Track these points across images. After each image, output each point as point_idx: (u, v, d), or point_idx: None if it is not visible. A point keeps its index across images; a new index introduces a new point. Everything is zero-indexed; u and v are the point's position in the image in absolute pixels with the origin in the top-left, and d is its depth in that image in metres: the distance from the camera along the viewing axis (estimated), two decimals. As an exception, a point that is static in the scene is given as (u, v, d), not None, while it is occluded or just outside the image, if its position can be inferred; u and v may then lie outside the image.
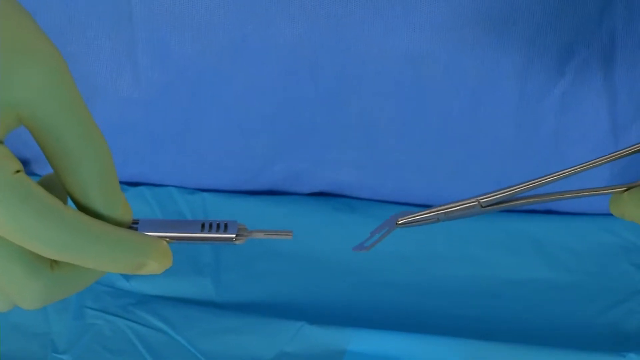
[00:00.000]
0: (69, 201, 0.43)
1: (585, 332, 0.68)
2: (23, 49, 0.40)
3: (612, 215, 0.72)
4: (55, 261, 0.42)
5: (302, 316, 0.67)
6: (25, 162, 0.73)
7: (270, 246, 0.71)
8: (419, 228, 0.71)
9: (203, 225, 0.45)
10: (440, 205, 0.50)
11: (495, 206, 0.50)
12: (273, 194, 0.74)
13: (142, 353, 0.65)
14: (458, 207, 0.50)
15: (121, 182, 0.72)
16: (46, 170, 0.73)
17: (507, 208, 0.50)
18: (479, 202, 0.50)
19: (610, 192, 0.51)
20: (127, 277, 0.68)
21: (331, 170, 0.71)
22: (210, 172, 0.72)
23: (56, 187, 0.43)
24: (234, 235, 0.45)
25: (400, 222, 0.50)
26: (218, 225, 0.45)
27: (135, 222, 0.44)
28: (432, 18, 0.62)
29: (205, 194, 0.73)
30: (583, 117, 0.66)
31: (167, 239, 0.44)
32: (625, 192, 0.50)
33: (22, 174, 0.40)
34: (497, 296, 0.70)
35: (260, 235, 0.47)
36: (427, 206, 0.73)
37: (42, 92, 0.40)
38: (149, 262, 0.42)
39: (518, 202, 0.50)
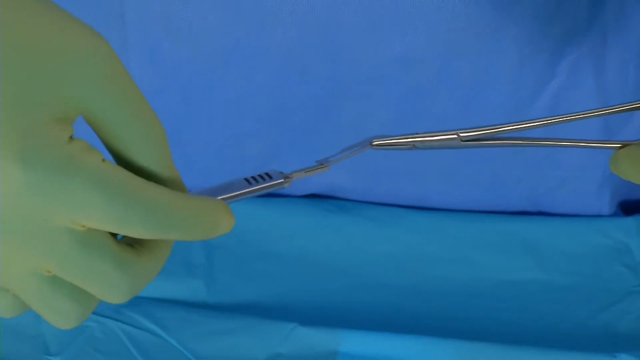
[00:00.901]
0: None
1: (578, 333, 0.68)
2: (71, 44, 0.40)
3: (604, 217, 0.73)
4: (140, 249, 0.42)
5: (294, 317, 0.67)
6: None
7: (262, 247, 0.71)
8: (410, 229, 0.72)
9: (248, 181, 0.46)
10: (419, 133, 0.49)
11: (475, 142, 0.49)
12: (266, 196, 0.74)
13: (135, 355, 0.65)
14: (436, 138, 0.49)
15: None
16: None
17: (487, 146, 0.49)
18: (458, 135, 0.49)
19: (600, 146, 0.50)
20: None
21: (323, 173, 0.71)
22: (203, 175, 0.72)
23: None
24: (282, 180, 0.46)
25: (375, 144, 0.49)
26: (262, 177, 0.46)
27: None
28: (424, 23, 0.62)
29: (198, 197, 0.73)
30: (574, 120, 0.66)
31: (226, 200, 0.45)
32: (622, 150, 0.49)
33: (108, 162, 0.40)
34: (490, 297, 0.70)
35: (302, 175, 0.48)
36: (420, 208, 0.73)
37: (98, 84, 0.40)
38: (222, 222, 0.43)
39: (499, 141, 0.49)
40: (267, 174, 0.46)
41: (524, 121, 0.48)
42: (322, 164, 0.49)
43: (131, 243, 0.42)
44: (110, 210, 0.39)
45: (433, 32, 0.62)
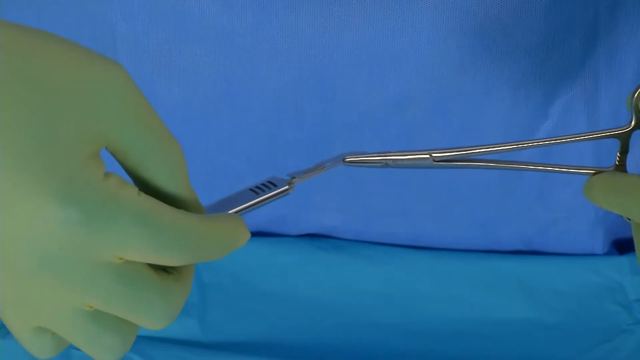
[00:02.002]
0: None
1: (571, 371, 0.69)
2: (93, 77, 0.40)
3: (598, 255, 0.73)
4: (175, 274, 0.42)
5: (287, 356, 0.67)
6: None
7: (255, 286, 0.71)
8: (403, 268, 0.72)
9: (255, 191, 0.46)
10: (391, 151, 0.49)
11: (447, 162, 0.49)
12: (260, 235, 0.74)
13: (129, 393, 0.65)
14: (409, 157, 0.49)
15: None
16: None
17: (460, 167, 0.49)
18: (431, 155, 0.49)
19: (575, 172, 0.50)
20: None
21: (316, 214, 0.72)
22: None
23: None
24: (287, 187, 0.47)
25: (347, 160, 0.50)
26: (266, 186, 0.47)
27: None
28: (417, 65, 0.62)
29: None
30: (567, 158, 0.67)
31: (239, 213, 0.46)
32: (595, 176, 0.49)
33: (143, 195, 0.41)
34: (482, 336, 0.70)
35: (302, 178, 0.49)
36: (413, 247, 0.74)
37: (122, 115, 0.40)
38: (241, 237, 0.44)
39: (472, 163, 0.49)
40: (270, 182, 0.47)
41: (497, 144, 0.49)
42: (321, 167, 0.49)
43: (164, 268, 0.42)
44: (151, 243, 0.40)
45: (426, 74, 0.63)
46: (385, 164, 0.49)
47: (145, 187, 0.42)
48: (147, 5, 0.62)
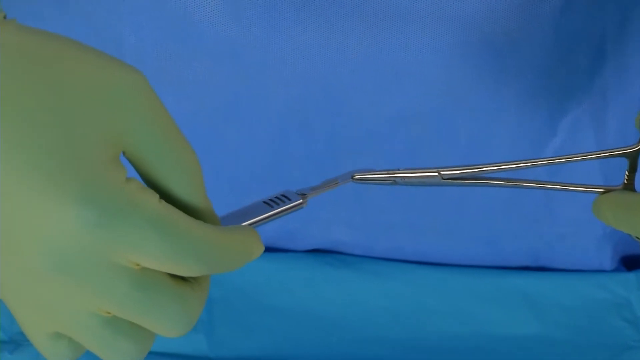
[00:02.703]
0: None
1: (577, 388, 0.68)
2: (112, 80, 0.40)
3: (605, 271, 0.73)
4: (192, 282, 0.42)
5: (295, 372, 0.67)
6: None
7: (262, 301, 0.71)
8: (410, 284, 0.72)
9: (268, 204, 0.47)
10: (400, 169, 0.49)
11: (455, 180, 0.49)
12: (267, 251, 0.74)
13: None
14: (417, 174, 0.49)
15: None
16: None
17: (468, 185, 0.49)
18: (439, 173, 0.49)
19: (582, 190, 0.50)
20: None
21: (323, 229, 0.72)
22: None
23: None
24: (301, 200, 0.47)
25: (355, 178, 0.50)
26: (279, 199, 0.47)
27: None
28: (424, 79, 0.62)
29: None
30: (575, 176, 0.67)
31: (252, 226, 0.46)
32: (603, 195, 0.50)
33: (163, 202, 0.41)
34: (489, 352, 0.70)
35: (315, 193, 0.49)
36: (420, 263, 0.73)
37: (141, 119, 0.41)
38: (255, 250, 0.44)
39: (480, 181, 0.49)
40: (284, 195, 0.47)
41: (505, 162, 0.49)
42: (333, 182, 0.50)
43: (182, 277, 0.42)
44: (168, 249, 0.40)
45: (433, 88, 0.63)
46: (394, 182, 0.50)
47: (162, 195, 0.42)
48: (156, 18, 0.62)
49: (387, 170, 0.49)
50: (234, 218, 0.46)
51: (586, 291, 0.72)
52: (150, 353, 0.67)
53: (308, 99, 0.64)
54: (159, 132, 0.41)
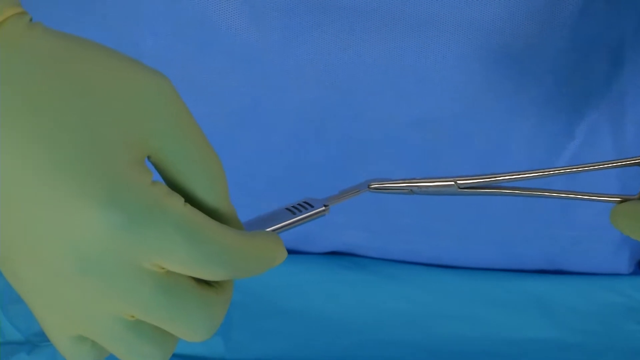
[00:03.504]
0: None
1: (591, 392, 0.68)
2: (139, 85, 0.41)
3: (621, 275, 0.73)
4: (216, 286, 0.43)
5: (310, 374, 0.67)
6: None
7: (279, 304, 0.71)
8: (425, 287, 0.72)
9: (291, 211, 0.47)
10: (416, 178, 0.50)
11: (472, 190, 0.49)
12: (285, 253, 0.74)
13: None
14: (434, 184, 0.49)
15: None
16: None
17: (485, 194, 0.50)
18: (456, 182, 0.49)
19: (599, 200, 0.50)
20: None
21: (340, 232, 0.72)
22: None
23: None
24: (323, 208, 0.48)
25: (372, 187, 0.50)
26: (302, 206, 0.47)
27: None
28: (442, 84, 0.62)
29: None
30: (592, 182, 0.67)
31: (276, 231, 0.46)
32: (621, 205, 0.50)
33: (189, 206, 0.41)
34: (503, 356, 0.70)
35: (338, 201, 0.49)
36: (435, 266, 0.73)
37: (167, 123, 0.41)
38: (279, 256, 0.44)
39: (497, 190, 0.49)
40: (306, 202, 0.48)
41: (522, 171, 0.49)
42: (356, 189, 0.50)
43: (206, 281, 0.42)
44: (193, 253, 0.40)
45: (451, 92, 0.63)
46: (410, 191, 0.50)
47: (186, 199, 0.42)
48: (173, 22, 0.62)
49: (404, 180, 0.49)
50: (257, 224, 0.46)
51: (601, 295, 0.72)
52: (167, 355, 0.68)
53: (325, 104, 0.64)
54: (184, 137, 0.41)
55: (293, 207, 0.47)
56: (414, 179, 0.50)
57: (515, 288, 0.73)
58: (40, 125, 0.39)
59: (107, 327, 0.41)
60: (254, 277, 0.71)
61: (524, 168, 0.66)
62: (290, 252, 0.74)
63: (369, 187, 0.50)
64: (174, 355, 0.68)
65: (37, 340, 0.69)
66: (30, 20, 0.41)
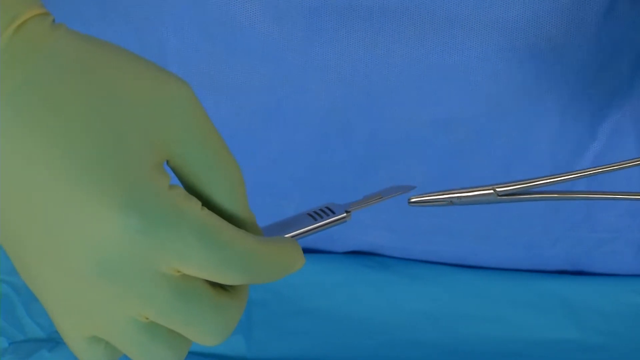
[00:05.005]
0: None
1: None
2: (159, 89, 0.41)
3: (643, 276, 0.73)
4: (231, 291, 0.43)
5: (331, 374, 0.67)
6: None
7: (301, 303, 0.71)
8: (448, 287, 0.72)
9: (312, 217, 0.47)
10: (454, 189, 0.49)
11: (511, 197, 0.49)
12: (307, 252, 0.74)
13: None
14: (473, 194, 0.49)
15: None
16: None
17: (524, 200, 0.49)
18: (495, 190, 0.49)
19: (629, 198, 0.50)
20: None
21: (362, 232, 0.72)
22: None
23: None
24: (345, 214, 0.47)
25: (413, 202, 0.50)
26: (324, 212, 0.47)
27: None
28: (467, 84, 0.62)
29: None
30: (615, 182, 0.66)
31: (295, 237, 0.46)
32: None
33: (206, 210, 0.41)
34: (525, 357, 0.70)
35: (359, 207, 0.49)
36: (459, 266, 0.73)
37: (186, 128, 0.41)
38: (297, 263, 0.44)
39: (536, 195, 0.49)
40: (328, 208, 0.48)
41: (561, 174, 0.49)
42: (379, 196, 0.50)
43: (221, 285, 0.42)
44: (210, 258, 0.40)
45: (475, 92, 0.63)
46: (450, 202, 0.49)
47: (205, 205, 0.42)
48: (197, 20, 0.62)
49: (443, 192, 0.49)
50: (277, 229, 0.46)
51: (625, 296, 0.72)
52: (188, 353, 0.68)
53: (350, 103, 0.64)
54: (204, 143, 0.42)
55: (315, 212, 0.47)
56: (452, 190, 0.49)
57: (539, 289, 0.72)
58: (62, 128, 0.39)
59: (122, 328, 0.41)
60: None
61: (547, 169, 0.66)
62: (314, 251, 0.74)
63: (409, 202, 0.50)
64: (196, 353, 0.68)
65: (59, 337, 0.69)
66: (53, 21, 0.41)
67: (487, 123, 0.64)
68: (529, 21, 0.59)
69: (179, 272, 0.40)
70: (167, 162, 0.42)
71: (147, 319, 0.41)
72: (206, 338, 0.42)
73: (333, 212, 0.47)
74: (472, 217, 0.69)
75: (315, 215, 0.47)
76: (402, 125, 0.64)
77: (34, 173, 0.39)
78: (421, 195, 0.49)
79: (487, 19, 0.59)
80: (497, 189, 0.49)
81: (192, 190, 0.42)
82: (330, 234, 0.72)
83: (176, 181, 0.43)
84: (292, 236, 0.46)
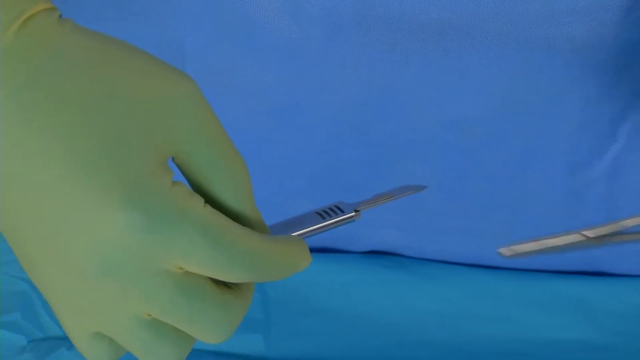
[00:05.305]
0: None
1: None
2: (164, 86, 0.41)
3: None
4: (235, 289, 0.43)
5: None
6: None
7: (318, 303, 0.71)
8: (463, 287, 0.72)
9: (321, 215, 0.47)
10: (542, 237, 0.49)
11: (603, 239, 0.49)
12: (326, 252, 0.74)
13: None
14: (564, 242, 0.49)
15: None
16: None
17: (616, 243, 0.49)
18: (585, 235, 0.49)
19: None
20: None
21: (378, 231, 0.72)
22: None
23: None
24: (354, 213, 0.47)
25: (504, 254, 0.49)
26: (333, 211, 0.47)
27: None
28: (486, 86, 0.62)
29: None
30: (635, 183, 0.66)
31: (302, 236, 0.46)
32: None
33: (209, 207, 0.41)
34: (539, 357, 0.70)
35: (373, 205, 0.49)
36: (475, 266, 0.73)
37: (192, 125, 0.41)
38: (302, 262, 0.44)
39: (628, 236, 0.49)
40: (337, 207, 0.47)
41: None
42: (387, 196, 0.50)
43: (225, 283, 0.42)
44: (213, 256, 0.40)
45: (495, 93, 0.62)
46: (542, 251, 0.49)
47: (210, 203, 0.42)
48: (216, 20, 0.62)
49: (532, 240, 0.49)
50: (285, 227, 0.46)
51: (638, 296, 0.72)
52: (207, 352, 0.68)
53: (366, 102, 0.64)
54: (209, 141, 0.41)
55: (323, 210, 0.47)
56: (542, 237, 0.49)
57: (554, 289, 0.72)
58: (65, 125, 0.39)
59: (125, 326, 0.41)
60: (294, 275, 0.71)
61: (564, 169, 0.66)
62: (331, 251, 0.74)
63: (498, 253, 0.49)
64: (214, 352, 0.68)
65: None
66: (60, 16, 0.41)
67: (505, 124, 0.64)
68: (548, 21, 0.59)
69: (182, 269, 0.40)
70: (173, 158, 0.42)
71: (150, 316, 0.41)
72: (209, 336, 0.42)
73: (342, 211, 0.47)
74: (490, 217, 0.69)
75: (323, 214, 0.47)
76: (419, 125, 0.64)
77: (36, 170, 0.39)
78: (510, 246, 0.49)
79: (505, 18, 0.59)
80: (585, 233, 0.49)
81: (197, 188, 0.42)
82: (347, 233, 0.72)
83: (181, 178, 0.43)
84: (299, 235, 0.45)
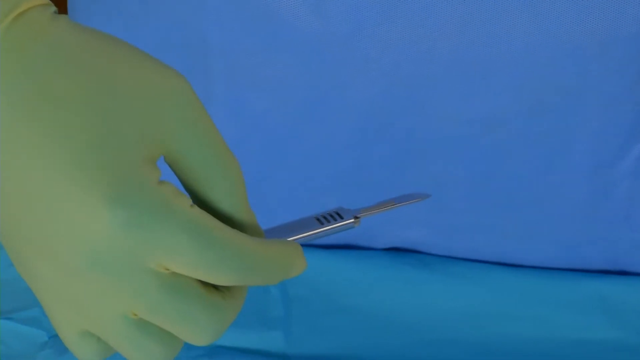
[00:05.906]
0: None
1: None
2: (157, 84, 0.41)
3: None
4: (224, 291, 0.42)
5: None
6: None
7: (340, 300, 0.71)
8: (487, 285, 0.72)
9: (319, 221, 0.46)
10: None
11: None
12: (348, 248, 0.74)
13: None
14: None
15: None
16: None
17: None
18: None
19: None
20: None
21: (401, 228, 0.71)
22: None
23: None
24: (353, 220, 0.47)
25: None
26: (332, 216, 0.47)
27: None
28: (510, 82, 0.61)
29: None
30: None
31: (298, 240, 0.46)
32: None
33: (196, 207, 0.41)
34: (564, 357, 0.69)
35: (374, 212, 0.49)
36: (498, 264, 0.73)
37: (183, 125, 0.41)
38: (296, 267, 0.43)
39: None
40: (337, 213, 0.47)
41: None
42: (389, 204, 0.49)
43: (215, 286, 0.42)
44: (199, 256, 0.40)
45: (519, 91, 0.62)
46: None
47: (202, 204, 0.42)
48: (240, 15, 0.62)
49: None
50: (282, 231, 0.46)
51: None
52: (227, 348, 0.68)
53: (391, 99, 0.63)
54: (201, 140, 0.41)
55: (322, 216, 0.47)
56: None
57: (579, 288, 0.72)
58: (57, 119, 0.39)
59: (112, 323, 0.41)
60: (316, 272, 0.71)
61: (588, 167, 0.66)
62: (353, 247, 0.74)
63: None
64: (233, 348, 0.68)
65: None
66: (55, 12, 0.41)
67: (528, 121, 0.63)
68: (573, 15, 0.59)
69: (168, 269, 0.40)
70: (164, 158, 0.41)
71: (136, 315, 0.41)
72: (195, 337, 0.42)
73: (341, 217, 0.47)
74: (513, 215, 0.69)
75: (322, 220, 0.46)
76: (443, 122, 0.64)
77: (26, 164, 0.39)
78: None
79: (531, 15, 0.59)
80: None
81: (189, 188, 0.42)
82: (369, 230, 0.72)
83: (174, 178, 0.43)
84: (295, 239, 0.45)
